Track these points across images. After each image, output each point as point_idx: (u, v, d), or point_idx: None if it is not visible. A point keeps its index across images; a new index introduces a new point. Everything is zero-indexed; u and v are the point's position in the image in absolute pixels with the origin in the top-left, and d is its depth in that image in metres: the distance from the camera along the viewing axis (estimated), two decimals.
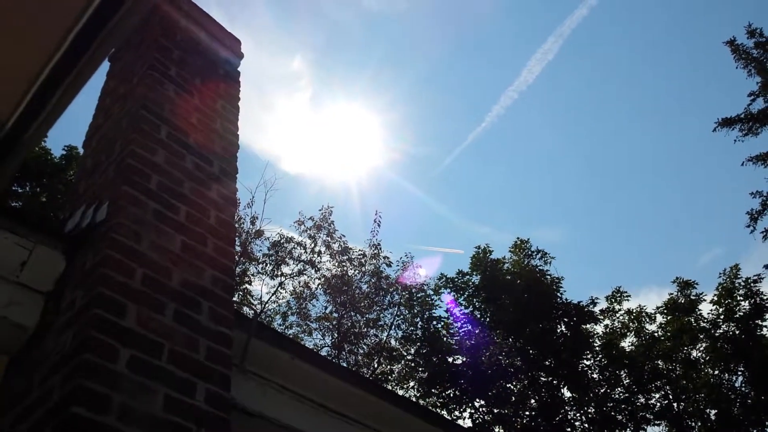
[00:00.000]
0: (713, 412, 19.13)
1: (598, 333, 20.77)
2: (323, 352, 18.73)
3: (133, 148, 3.03)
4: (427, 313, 20.69)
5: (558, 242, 39.02)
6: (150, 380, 2.36)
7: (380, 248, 20.41)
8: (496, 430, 19.16)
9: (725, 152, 38.88)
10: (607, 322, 21.11)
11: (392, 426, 4.05)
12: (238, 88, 4.11)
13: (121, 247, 2.63)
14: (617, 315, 21.19)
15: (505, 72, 41.36)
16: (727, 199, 39.29)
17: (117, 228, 2.67)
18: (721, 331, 19.67)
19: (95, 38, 2.28)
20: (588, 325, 20.45)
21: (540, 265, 21.17)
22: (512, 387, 19.46)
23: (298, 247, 19.82)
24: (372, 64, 36.52)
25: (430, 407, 18.75)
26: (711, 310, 20.09)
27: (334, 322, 19.52)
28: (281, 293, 19.81)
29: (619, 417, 19.37)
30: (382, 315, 20.14)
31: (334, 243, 20.11)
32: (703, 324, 20.03)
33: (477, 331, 19.81)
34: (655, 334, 20.73)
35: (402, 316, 20.53)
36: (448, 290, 21.35)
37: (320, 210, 20.51)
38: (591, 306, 20.56)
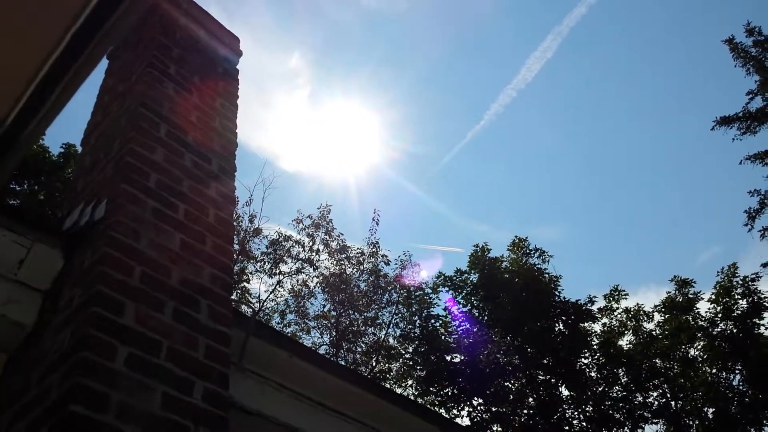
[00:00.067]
0: (711, 410, 19.15)
1: (596, 331, 20.79)
2: (321, 351, 18.74)
3: (132, 146, 3.03)
4: (425, 311, 20.70)
5: (556, 240, 39.03)
6: (148, 378, 2.36)
7: (379, 246, 20.43)
8: (494, 428, 19.19)
9: (723, 151, 38.93)
10: (605, 320, 21.13)
11: (390, 424, 4.06)
12: (237, 86, 4.11)
13: (120, 245, 2.63)
14: (615, 313, 21.21)
15: (504, 70, 41.45)
16: (725, 198, 39.38)
17: (115, 226, 2.67)
18: (718, 329, 19.69)
19: (93, 37, 2.28)
20: (586, 324, 20.46)
21: (538, 264, 21.19)
22: (510, 385, 19.47)
23: (297, 246, 19.83)
24: (371, 64, 36.52)
25: (428, 406, 18.77)
26: (709, 309, 20.12)
27: (333, 321, 19.52)
28: (279, 291, 19.83)
29: (617, 415, 19.39)
30: (380, 313, 20.16)
31: (333, 241, 20.12)
32: (700, 322, 20.05)
33: (475, 330, 19.83)
34: (653, 332, 20.74)
35: (400, 315, 20.55)
36: (447, 289, 21.37)
37: (319, 208, 20.52)
38: (589, 304, 20.57)
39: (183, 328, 2.62)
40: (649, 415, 19.47)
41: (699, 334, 19.87)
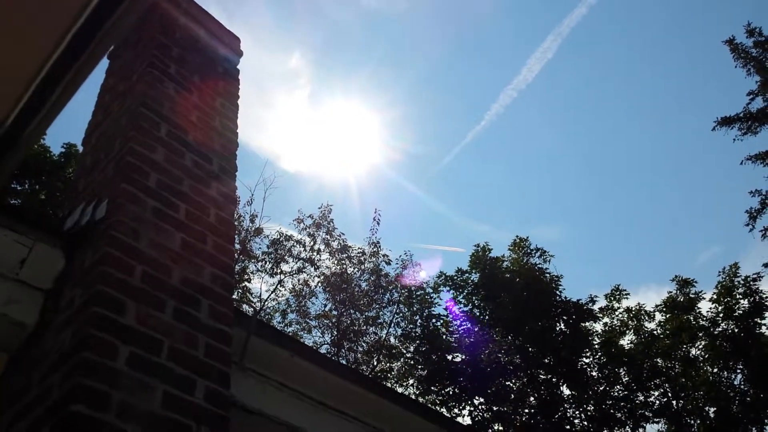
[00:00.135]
0: (712, 409, 19.14)
1: (597, 331, 20.77)
2: (322, 350, 18.75)
3: (133, 146, 3.03)
4: (426, 310, 20.69)
5: (557, 240, 39.01)
6: (149, 377, 2.36)
7: (379, 246, 20.42)
8: (496, 427, 19.18)
9: (724, 151, 38.90)
10: (606, 320, 21.11)
11: (391, 423, 4.06)
12: (238, 85, 4.11)
13: (121, 244, 2.63)
14: (616, 313, 21.19)
15: (504, 71, 41.41)
16: (725, 198, 39.34)
17: (116, 226, 2.67)
18: (720, 329, 19.68)
19: (94, 37, 2.28)
20: (587, 323, 20.44)
21: (539, 263, 21.17)
22: (511, 385, 19.47)
23: (298, 245, 19.82)
24: (371, 64, 36.52)
25: (430, 405, 18.77)
26: (710, 308, 20.11)
27: (334, 320, 19.53)
28: (280, 291, 19.83)
29: (619, 415, 19.38)
30: (381, 313, 20.16)
31: (334, 241, 20.12)
32: (702, 322, 20.03)
33: (476, 329, 19.83)
34: (654, 332, 20.73)
35: (401, 314, 20.55)
36: (448, 288, 21.36)
37: (319, 208, 20.52)
38: (590, 304, 20.56)
39: (184, 328, 2.63)
40: (651, 415, 19.47)
41: (700, 334, 19.86)
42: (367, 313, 19.82)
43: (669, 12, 37.17)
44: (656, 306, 21.17)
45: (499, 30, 40.16)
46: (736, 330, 19.35)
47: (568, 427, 18.93)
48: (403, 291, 20.33)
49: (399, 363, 20.58)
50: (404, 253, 21.05)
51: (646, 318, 21.04)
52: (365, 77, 33.93)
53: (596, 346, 20.34)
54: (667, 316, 20.63)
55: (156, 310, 2.57)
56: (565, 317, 20.24)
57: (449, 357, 19.92)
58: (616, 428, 19.21)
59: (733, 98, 29.15)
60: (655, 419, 19.51)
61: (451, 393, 19.46)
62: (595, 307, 20.72)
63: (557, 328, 20.19)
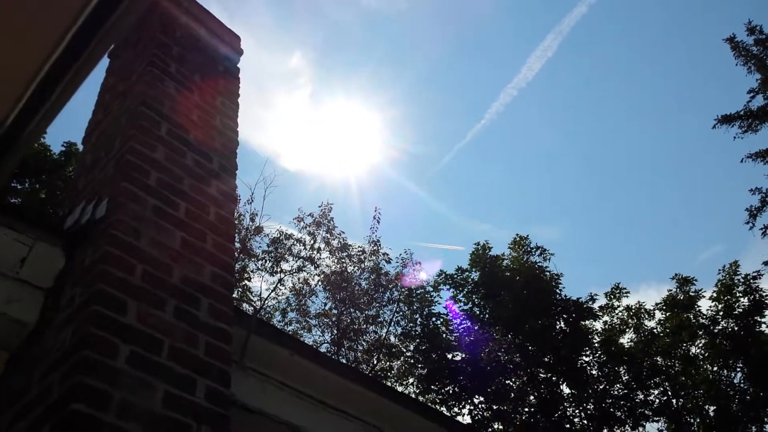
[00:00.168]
0: (712, 408, 19.14)
1: (597, 329, 20.77)
2: (323, 349, 18.75)
3: (133, 145, 3.03)
4: (426, 309, 20.69)
5: (557, 239, 39.05)
6: (150, 376, 2.36)
7: (380, 245, 20.41)
8: (496, 426, 19.19)
9: (724, 149, 38.90)
10: (606, 318, 21.11)
11: (392, 422, 4.06)
12: (238, 84, 4.11)
13: (121, 243, 2.63)
14: (616, 311, 21.20)
15: (504, 70, 41.41)
16: (726, 196, 39.33)
17: (116, 224, 2.68)
18: (720, 327, 19.68)
19: (94, 36, 2.28)
20: (587, 322, 20.45)
21: (539, 262, 21.17)
22: (511, 383, 19.47)
23: (298, 244, 19.80)
24: (372, 64, 36.51)
25: (430, 404, 18.78)
26: (710, 307, 20.10)
27: (334, 319, 19.52)
28: (281, 290, 19.82)
29: (618, 413, 19.39)
30: (381, 311, 20.15)
31: (334, 240, 20.11)
32: (702, 320, 20.03)
33: (476, 328, 19.83)
34: (654, 330, 20.73)
35: (401, 313, 20.54)
36: (448, 287, 21.36)
37: (320, 207, 20.50)
38: (590, 302, 20.56)
39: (184, 326, 2.63)
40: (651, 413, 19.47)
41: (700, 332, 19.86)
42: (367, 312, 19.82)
43: (669, 12, 37.17)
44: (656, 304, 21.19)
45: (499, 29, 40.16)
46: (736, 328, 19.35)
47: (568, 425, 18.95)
48: (403, 290, 20.33)
49: (399, 362, 20.58)
50: (404, 251, 21.03)
51: (646, 316, 21.04)
52: (365, 77, 33.94)
53: (596, 345, 20.35)
54: (667, 314, 20.63)
55: (156, 309, 2.57)
56: (565, 316, 20.24)
57: (449, 356, 19.93)
58: (616, 427, 19.22)
59: (734, 96, 29.27)
60: (654, 418, 19.52)
61: (451, 392, 19.47)
62: (595, 306, 20.75)
63: (557, 327, 20.20)
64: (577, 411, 19.46)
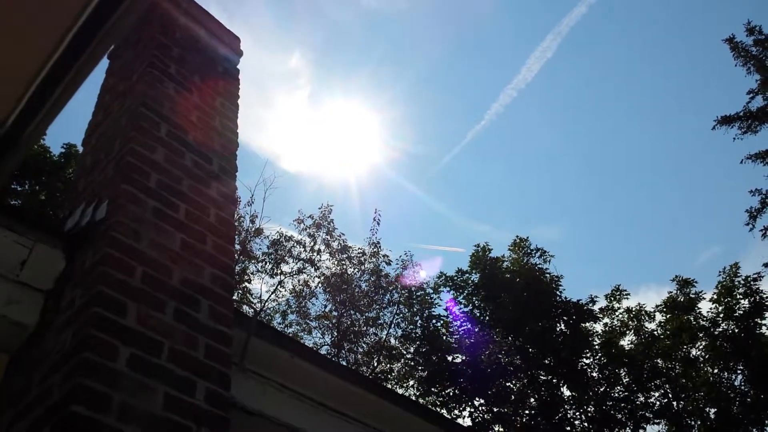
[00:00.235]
0: (713, 410, 19.13)
1: (597, 331, 20.76)
2: (323, 351, 18.74)
3: (133, 146, 3.03)
4: (426, 311, 20.69)
5: (557, 240, 39.00)
6: (150, 379, 2.35)
7: (380, 247, 20.43)
8: (496, 429, 19.17)
9: (724, 150, 38.85)
10: (606, 320, 21.10)
11: (392, 425, 4.05)
12: (238, 85, 4.10)
13: (121, 245, 2.63)
14: (616, 313, 21.18)
15: (504, 70, 41.43)
16: (725, 197, 39.34)
17: (116, 226, 2.67)
18: (720, 329, 19.67)
19: (94, 37, 2.28)
20: (587, 324, 20.44)
21: (539, 264, 21.17)
22: (512, 386, 19.46)
23: (298, 246, 19.83)
24: (371, 64, 36.53)
25: (430, 406, 18.76)
26: (710, 309, 20.10)
27: (334, 321, 19.52)
28: (281, 292, 19.83)
29: (619, 415, 19.37)
30: (381, 313, 20.16)
31: (334, 241, 20.13)
32: (702, 322, 20.02)
33: (476, 330, 19.82)
34: (655, 332, 20.72)
35: (401, 315, 20.55)
36: (448, 289, 21.35)
37: (320, 208, 20.54)
38: (590, 304, 20.55)
39: (184, 329, 2.62)
40: (651, 416, 19.45)
41: (701, 334, 19.85)
42: (367, 314, 19.82)
43: (669, 12, 37.20)
44: (656, 306, 21.18)
45: (499, 30, 40.18)
46: (736, 330, 19.34)
47: (568, 428, 18.93)
48: (403, 291, 20.33)
49: (399, 364, 20.58)
50: (404, 253, 21.05)
51: (647, 318, 21.03)
52: (365, 77, 33.97)
53: (596, 347, 20.33)
54: (668, 316, 20.62)
55: (156, 311, 2.56)
56: (565, 318, 20.23)
57: (449, 358, 19.92)
58: (617, 429, 19.20)
59: (733, 97, 29.29)
60: (655, 420, 19.50)
61: (451, 394, 19.46)
62: (596, 308, 20.74)
63: (557, 329, 20.19)
64: (577, 413, 19.45)
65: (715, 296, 20.09)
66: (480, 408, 19.24)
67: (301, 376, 3.57)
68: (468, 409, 19.30)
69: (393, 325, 20.31)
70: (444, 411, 19.01)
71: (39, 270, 2.72)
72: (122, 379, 2.27)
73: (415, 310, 20.63)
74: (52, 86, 2.47)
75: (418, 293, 20.72)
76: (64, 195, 15.89)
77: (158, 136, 3.19)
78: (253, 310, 17.60)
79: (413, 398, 17.96)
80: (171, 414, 2.34)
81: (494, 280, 20.68)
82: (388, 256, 20.34)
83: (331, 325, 19.61)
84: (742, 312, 19.40)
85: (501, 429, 19.12)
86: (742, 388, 19.07)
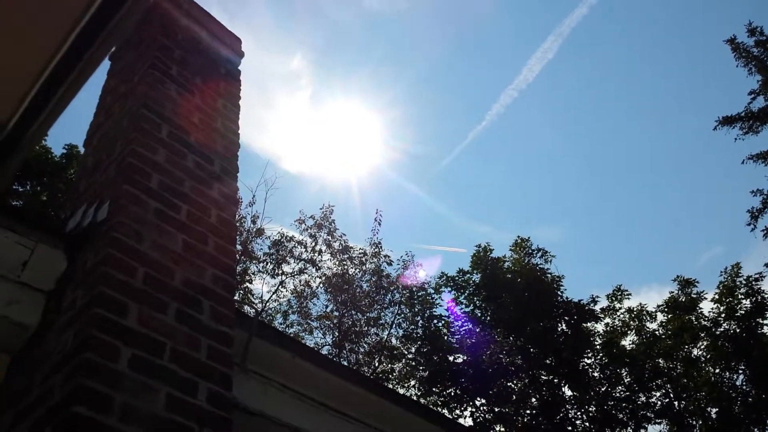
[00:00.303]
0: (714, 410, 19.11)
1: (598, 331, 20.75)
2: (324, 351, 18.74)
3: (134, 147, 3.03)
4: (427, 311, 20.68)
5: (558, 241, 39.02)
6: (152, 379, 2.36)
7: (381, 247, 20.43)
8: (497, 428, 19.17)
9: (725, 150, 38.89)
10: (607, 320, 21.09)
11: (393, 425, 4.06)
12: (239, 86, 4.11)
13: (123, 246, 2.63)
14: (618, 313, 21.18)
15: (505, 71, 41.36)
16: (727, 198, 39.30)
17: (118, 227, 2.67)
18: (722, 329, 19.66)
19: (97, 37, 2.28)
20: (589, 324, 20.43)
21: (540, 264, 21.16)
22: (513, 386, 19.45)
23: (299, 246, 19.84)
24: (372, 64, 36.54)
25: (431, 406, 18.76)
26: (712, 309, 20.08)
27: (335, 321, 19.52)
28: (282, 292, 19.83)
29: (620, 415, 19.35)
30: (382, 314, 20.16)
31: (335, 242, 20.13)
32: (704, 322, 20.00)
33: (478, 330, 19.81)
34: (656, 332, 20.70)
35: (403, 315, 20.55)
36: (449, 289, 21.34)
37: (321, 209, 20.54)
38: (591, 304, 20.54)
39: (186, 329, 2.62)
40: (652, 415, 19.44)
41: (702, 334, 19.83)
42: (368, 314, 19.82)
43: (669, 12, 37.18)
44: (658, 306, 21.17)
45: (499, 30, 40.18)
46: (738, 330, 19.32)
47: (569, 428, 18.91)
48: (404, 292, 20.33)
49: (400, 364, 20.57)
50: (405, 253, 21.05)
51: (648, 318, 21.02)
52: (366, 77, 33.99)
53: (598, 347, 20.32)
54: (669, 316, 20.61)
55: (158, 312, 2.56)
56: (566, 318, 20.22)
57: (450, 358, 19.91)
58: (618, 429, 19.18)
59: (734, 98, 29.24)
60: (656, 420, 19.49)
61: (452, 394, 19.45)
62: (597, 308, 20.73)
63: (559, 329, 20.17)
64: (578, 413, 19.43)
65: (716, 296, 20.08)
66: (481, 408, 19.23)
67: (302, 376, 3.57)
68: (469, 409, 19.30)
69: (394, 326, 20.33)
70: (445, 411, 19.00)
71: (40, 270, 2.72)
72: (124, 379, 2.27)
73: (416, 310, 20.63)
74: (54, 87, 2.47)
75: (419, 293, 20.72)
76: (66, 196, 15.90)
77: (160, 138, 3.20)
78: (254, 311, 17.61)
79: (414, 398, 17.96)
80: (173, 415, 2.34)
81: (495, 280, 20.67)
82: (389, 257, 20.36)
83: (332, 326, 19.61)
84: (743, 312, 19.38)
85: (502, 429, 19.12)
86: (744, 388, 19.05)
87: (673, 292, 21.05)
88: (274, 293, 19.69)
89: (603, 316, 20.94)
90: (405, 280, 20.16)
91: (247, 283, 19.19)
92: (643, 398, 19.71)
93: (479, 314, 20.80)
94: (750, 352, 18.54)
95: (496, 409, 19.07)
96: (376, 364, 19.84)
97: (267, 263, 19.52)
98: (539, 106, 39.00)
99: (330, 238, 20.10)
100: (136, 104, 3.34)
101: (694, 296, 20.67)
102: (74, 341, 2.33)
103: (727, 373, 19.36)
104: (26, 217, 2.77)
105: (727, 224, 41.66)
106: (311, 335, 19.66)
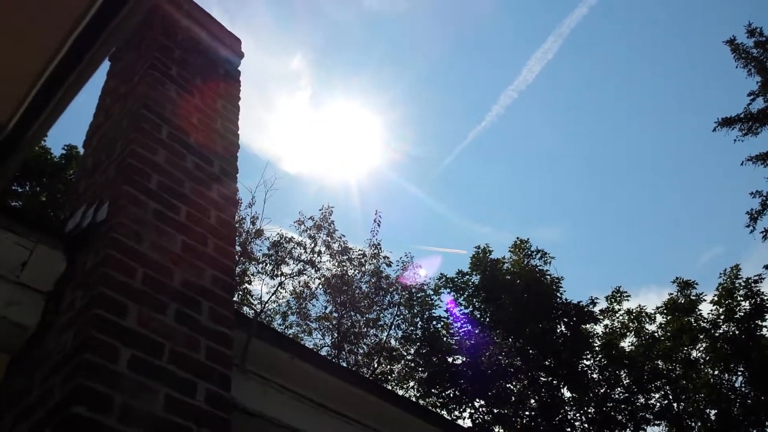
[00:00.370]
0: (713, 412, 19.13)
1: (597, 333, 20.77)
2: (323, 352, 18.74)
3: (134, 148, 3.03)
4: (427, 313, 20.69)
5: (557, 242, 39.04)
6: (151, 380, 2.36)
7: (380, 248, 20.44)
8: (496, 430, 19.17)
9: (725, 151, 38.88)
10: (606, 322, 21.11)
11: (392, 426, 4.05)
12: (239, 87, 4.11)
13: (122, 246, 2.63)
14: (617, 315, 21.19)
15: (505, 71, 41.36)
16: (726, 199, 39.30)
17: (117, 228, 2.67)
18: (721, 331, 19.67)
19: (97, 38, 2.29)
20: (588, 325, 20.45)
21: (540, 265, 21.17)
22: (512, 387, 19.46)
23: (298, 247, 19.83)
24: (372, 64, 36.53)
25: (430, 407, 18.76)
26: (711, 310, 20.10)
27: (334, 322, 19.52)
28: (281, 293, 19.83)
29: (619, 417, 19.37)
30: (381, 315, 20.16)
31: (334, 243, 20.13)
32: (703, 324, 20.02)
33: (477, 331, 19.81)
34: (655, 334, 20.72)
35: (402, 316, 20.55)
36: (448, 290, 21.35)
37: (320, 210, 20.54)
38: (591, 306, 20.56)
39: (185, 330, 2.62)
40: (651, 417, 19.46)
41: (701, 336, 19.85)
42: (367, 315, 19.82)
43: (669, 12, 37.21)
44: (657, 308, 21.19)
45: (499, 30, 40.20)
46: (737, 332, 19.34)
47: (568, 429, 18.92)
48: (403, 293, 20.33)
49: (399, 365, 20.58)
50: (405, 254, 21.06)
51: (647, 320, 21.04)
52: (366, 77, 34.02)
53: (597, 349, 20.33)
54: (668, 318, 20.63)
55: (157, 313, 2.57)
56: (565, 319, 20.23)
57: (450, 359, 19.92)
58: (617, 430, 19.20)
59: (734, 99, 29.21)
60: (655, 421, 19.51)
61: (451, 395, 19.46)
62: (596, 309, 20.75)
63: (558, 330, 20.19)
64: (577, 415, 19.44)
65: (715, 298, 20.10)
66: (480, 409, 19.24)
67: (301, 377, 3.57)
68: (468, 410, 19.32)
69: (393, 327, 20.33)
70: (444, 412, 19.01)
71: (39, 271, 2.72)
72: (123, 380, 2.27)
73: (415, 311, 20.64)
74: (54, 88, 2.47)
75: (419, 295, 20.73)
76: (65, 196, 15.90)
77: (159, 138, 3.20)
78: (253, 312, 17.59)
79: (413, 399, 17.96)
80: (172, 415, 2.34)
81: (495, 281, 20.68)
82: (388, 258, 20.36)
83: (331, 327, 19.61)
84: (742, 314, 19.40)
85: (501, 430, 19.12)
86: (743, 389, 19.07)
87: (672, 294, 21.09)
88: (273, 294, 19.71)
89: (602, 317, 20.96)
90: (404, 282, 20.17)
91: (247, 284, 19.21)
92: (642, 400, 19.73)
93: (478, 315, 20.81)
94: (749, 354, 18.55)
95: (495, 411, 19.08)
96: (375, 365, 19.84)
97: (266, 264, 19.53)
98: (539, 106, 39.05)
99: (329, 239, 20.11)
100: (136, 105, 3.34)
101: (693, 298, 20.69)
102: (74, 342, 2.33)
103: (726, 375, 19.38)
104: (25, 218, 2.77)
105: (726, 225, 41.72)
106: (310, 336, 19.68)
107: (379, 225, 20.65)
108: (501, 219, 41.79)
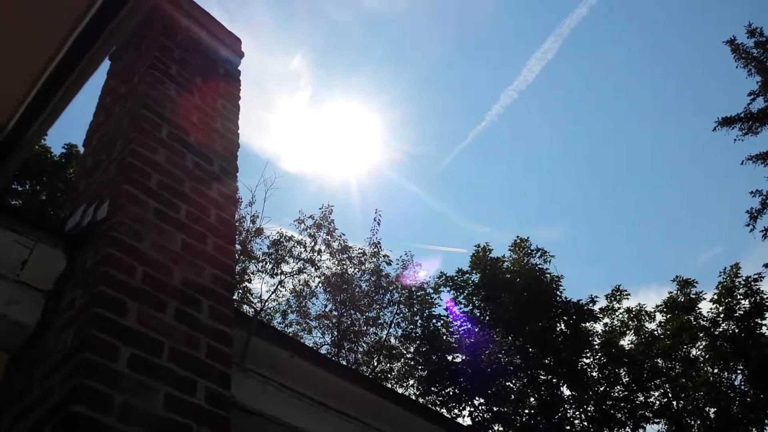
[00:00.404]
0: (713, 410, 19.14)
1: (597, 331, 20.77)
2: (323, 351, 18.75)
3: (134, 147, 3.04)
4: (426, 311, 20.70)
5: (557, 240, 39.02)
6: (150, 379, 2.37)
7: (380, 247, 20.44)
8: (496, 428, 19.18)
9: (725, 151, 38.86)
10: (606, 320, 21.11)
11: (392, 424, 4.06)
12: (239, 87, 4.11)
13: (122, 245, 2.64)
14: (617, 313, 21.19)
15: (504, 71, 41.30)
16: (726, 198, 39.30)
17: (117, 227, 2.68)
18: (720, 329, 19.68)
19: (97, 38, 2.29)
20: (587, 324, 20.45)
21: (540, 264, 21.17)
22: (512, 385, 19.47)
23: (298, 246, 19.84)
24: (372, 64, 36.51)
25: (430, 405, 18.77)
26: (711, 309, 20.11)
27: (334, 321, 19.53)
28: (281, 291, 19.84)
29: (619, 415, 19.38)
30: (381, 313, 20.17)
31: (334, 241, 20.14)
32: (702, 322, 20.03)
33: (476, 330, 19.83)
34: (655, 332, 20.73)
35: (402, 315, 20.55)
36: (448, 289, 21.36)
37: (320, 208, 20.55)
38: (590, 304, 20.56)
39: (185, 329, 2.63)
40: (651, 415, 19.47)
41: (701, 334, 19.86)
42: (367, 314, 19.83)
43: (669, 12, 37.17)
44: (657, 306, 21.20)
45: (499, 30, 40.16)
46: (736, 330, 19.35)
47: (568, 427, 18.93)
48: (403, 291, 20.34)
49: (399, 363, 20.59)
50: (405, 253, 21.05)
51: (647, 318, 21.05)
52: (366, 77, 33.99)
53: (596, 347, 20.34)
54: (668, 316, 20.63)
55: (157, 311, 2.57)
56: (565, 318, 20.24)
57: (449, 357, 19.93)
58: (617, 429, 19.22)
59: (734, 98, 29.15)
60: (655, 420, 19.52)
61: (451, 393, 19.47)
62: (596, 308, 20.75)
63: (557, 329, 20.20)
64: (577, 413, 19.46)
65: (715, 296, 20.11)
66: (480, 407, 19.25)
67: (301, 375, 3.58)
68: (468, 408, 19.32)
69: (393, 325, 20.34)
70: (444, 410, 19.02)
71: (39, 270, 2.73)
72: (123, 379, 2.28)
73: (415, 309, 20.65)
74: (54, 87, 2.47)
75: (419, 293, 20.73)
76: (65, 195, 15.91)
77: (159, 138, 3.21)
78: (253, 310, 17.62)
79: (413, 398, 17.98)
80: (172, 414, 2.35)
81: (494, 280, 20.68)
82: (388, 256, 20.37)
83: (331, 325, 19.62)
84: (742, 312, 19.41)
85: (501, 428, 19.14)
86: (742, 387, 19.09)
87: (672, 292, 21.09)
88: (273, 293, 19.71)
89: (602, 316, 20.97)
90: (404, 280, 20.18)
91: (246, 283, 19.21)
92: (642, 398, 19.74)
93: (478, 314, 20.82)
94: (748, 353, 18.56)
95: (495, 409, 19.09)
96: (375, 364, 19.86)
97: (266, 263, 19.54)
98: (539, 106, 39.01)
99: (329, 237, 20.11)
100: (136, 104, 3.34)
101: (693, 296, 20.70)
102: (74, 341, 2.34)
103: (726, 373, 19.39)
104: (26, 217, 2.78)
105: (726, 224, 41.69)
106: (310, 335, 19.69)
107: (378, 224, 20.67)
108: (501, 218, 41.79)
